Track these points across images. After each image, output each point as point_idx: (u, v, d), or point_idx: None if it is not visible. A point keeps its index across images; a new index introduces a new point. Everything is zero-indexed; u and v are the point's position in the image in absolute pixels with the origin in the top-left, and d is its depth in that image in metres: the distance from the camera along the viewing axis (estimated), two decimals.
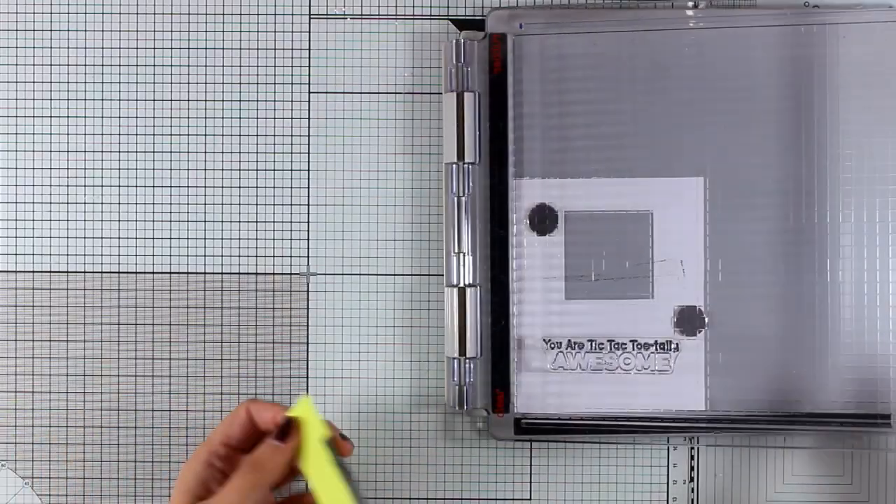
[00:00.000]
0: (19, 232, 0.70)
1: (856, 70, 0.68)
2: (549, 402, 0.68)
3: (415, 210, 0.70)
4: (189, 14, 0.70)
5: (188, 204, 0.70)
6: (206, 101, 0.70)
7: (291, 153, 0.70)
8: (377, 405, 0.70)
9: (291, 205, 0.70)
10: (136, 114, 0.70)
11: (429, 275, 0.70)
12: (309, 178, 0.70)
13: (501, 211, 0.68)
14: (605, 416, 0.68)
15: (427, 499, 0.70)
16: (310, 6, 0.70)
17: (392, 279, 0.70)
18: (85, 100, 0.70)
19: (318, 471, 0.63)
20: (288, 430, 0.59)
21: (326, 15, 0.70)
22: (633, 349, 0.68)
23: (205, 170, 0.70)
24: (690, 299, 0.68)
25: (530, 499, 0.70)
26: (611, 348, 0.68)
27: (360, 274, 0.70)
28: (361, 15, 0.70)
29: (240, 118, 0.70)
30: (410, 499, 0.70)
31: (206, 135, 0.70)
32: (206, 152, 0.70)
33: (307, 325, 0.70)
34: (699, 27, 0.68)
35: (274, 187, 0.70)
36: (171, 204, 0.70)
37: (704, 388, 0.68)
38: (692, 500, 0.70)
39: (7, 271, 0.70)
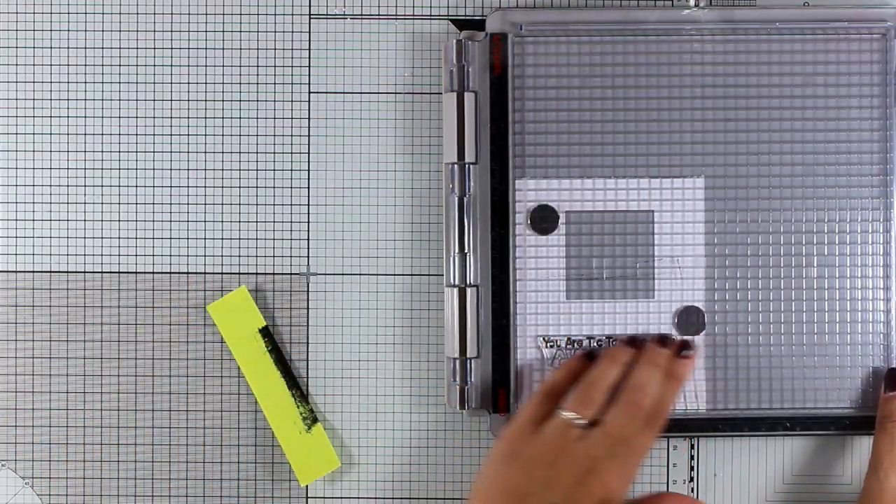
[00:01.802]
0: (19, 232, 0.70)
1: (854, 70, 0.68)
2: None
3: (415, 210, 0.70)
4: (189, 14, 0.70)
5: (188, 204, 0.70)
6: (206, 101, 0.70)
7: (291, 153, 0.70)
8: (377, 405, 0.70)
9: (291, 205, 0.70)
10: (136, 114, 0.70)
11: (429, 275, 0.70)
12: (309, 178, 0.70)
13: (502, 211, 0.68)
14: None
15: (427, 499, 0.70)
16: (310, 6, 0.70)
17: (392, 279, 0.70)
18: (85, 100, 0.70)
19: (252, 360, 0.67)
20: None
21: (326, 15, 0.70)
22: None
23: (205, 170, 0.70)
24: (691, 299, 0.68)
25: None
26: (609, 344, 0.68)
27: (360, 274, 0.70)
28: (361, 15, 0.70)
29: (240, 118, 0.70)
30: (411, 499, 0.70)
31: (206, 135, 0.70)
32: (206, 152, 0.70)
33: (307, 325, 0.70)
34: (699, 28, 0.68)
35: (274, 187, 0.70)
36: (171, 204, 0.70)
37: (704, 388, 0.68)
38: None
39: (7, 271, 0.70)
